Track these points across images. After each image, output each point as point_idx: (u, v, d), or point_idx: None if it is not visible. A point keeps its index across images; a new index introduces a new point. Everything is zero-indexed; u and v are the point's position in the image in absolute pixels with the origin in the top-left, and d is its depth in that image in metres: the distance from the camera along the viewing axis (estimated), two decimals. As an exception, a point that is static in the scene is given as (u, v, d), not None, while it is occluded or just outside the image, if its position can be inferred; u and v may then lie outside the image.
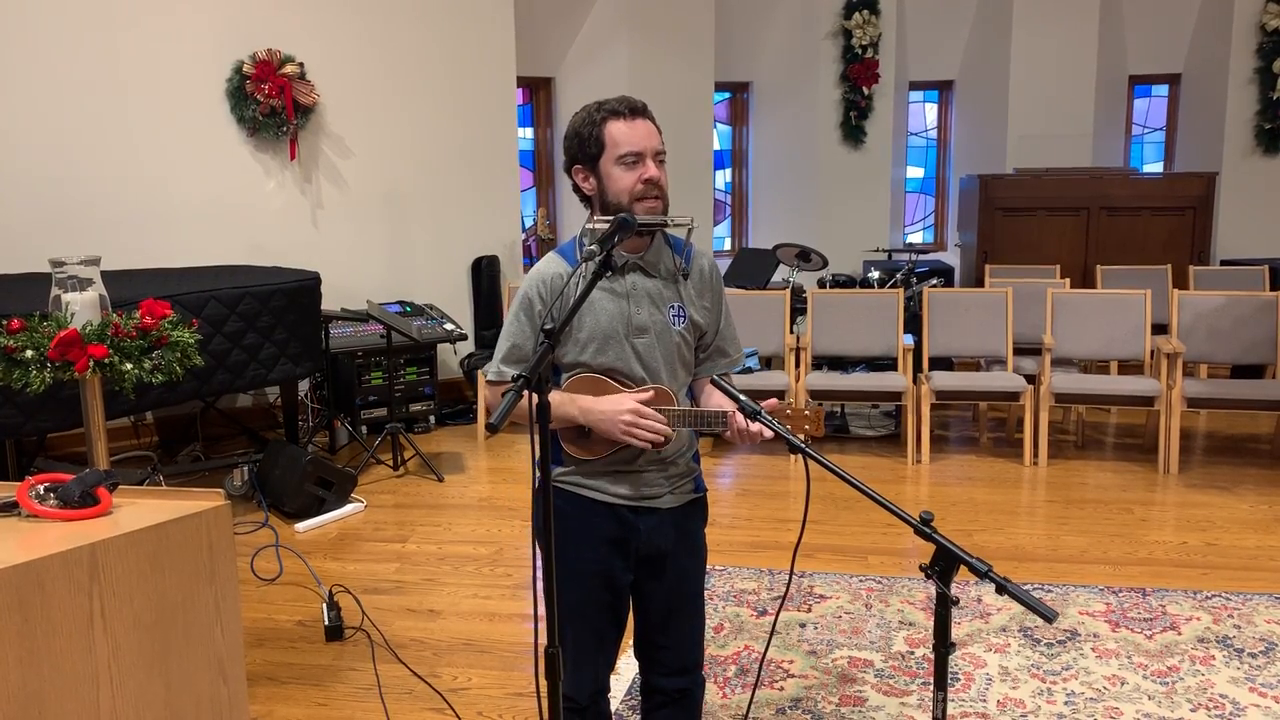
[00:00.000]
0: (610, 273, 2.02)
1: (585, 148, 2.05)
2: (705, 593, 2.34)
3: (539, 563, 1.86)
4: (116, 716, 1.58)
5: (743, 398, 1.97)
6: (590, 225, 2.06)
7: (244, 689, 1.81)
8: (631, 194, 2.02)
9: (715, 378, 2.07)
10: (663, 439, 2.03)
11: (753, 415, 1.94)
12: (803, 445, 1.89)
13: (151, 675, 1.63)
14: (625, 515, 2.13)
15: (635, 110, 2.03)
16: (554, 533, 2.13)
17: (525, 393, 1.83)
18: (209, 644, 1.74)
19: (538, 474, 2.15)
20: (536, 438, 1.75)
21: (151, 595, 1.63)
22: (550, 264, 2.12)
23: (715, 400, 2.12)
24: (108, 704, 1.57)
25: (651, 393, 2.06)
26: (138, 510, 1.72)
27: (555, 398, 2.05)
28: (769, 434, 1.93)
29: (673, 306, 2.11)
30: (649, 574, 2.19)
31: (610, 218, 1.99)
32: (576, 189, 2.12)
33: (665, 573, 2.19)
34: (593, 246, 1.92)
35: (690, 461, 2.20)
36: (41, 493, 1.69)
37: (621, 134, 2.01)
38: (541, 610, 1.84)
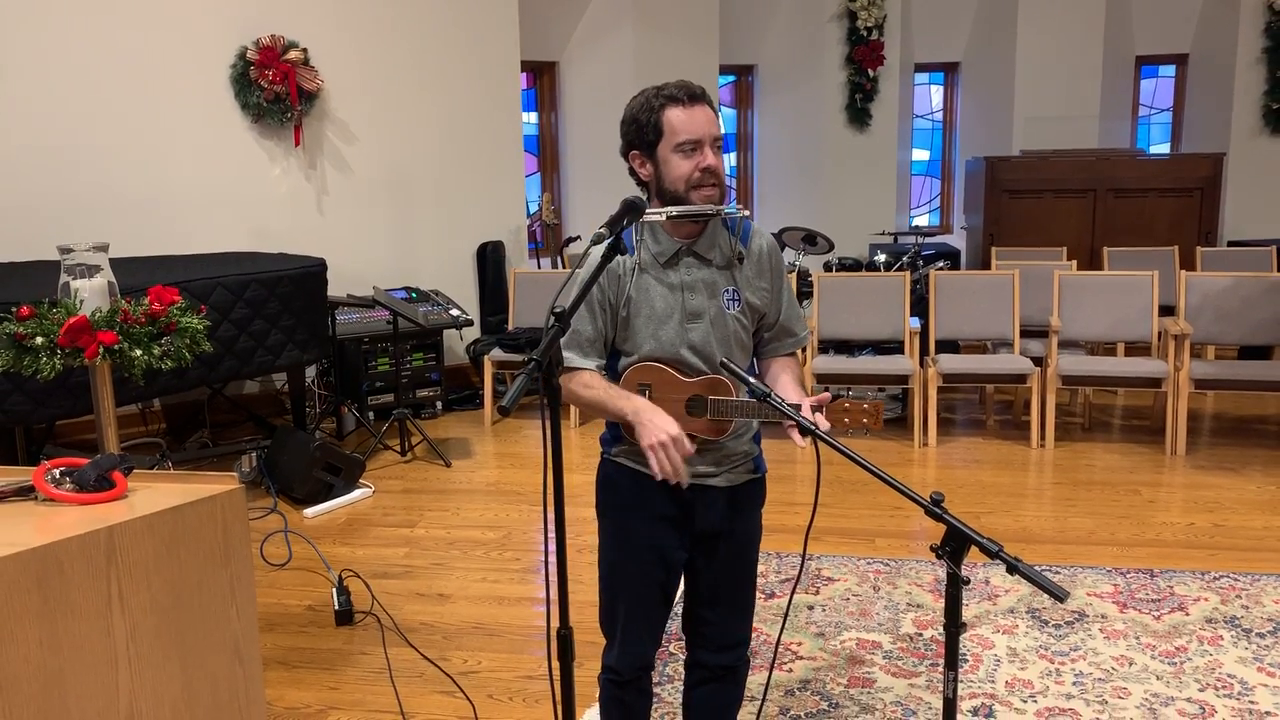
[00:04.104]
0: (620, 257, 2.02)
1: (643, 134, 2.03)
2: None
3: (551, 547, 1.87)
4: (135, 697, 1.59)
5: (751, 380, 1.97)
6: (648, 216, 2.02)
7: (259, 670, 1.82)
8: (688, 181, 2.00)
9: (723, 361, 2.07)
10: (675, 480, 1.99)
11: (762, 398, 1.94)
12: (813, 427, 1.89)
13: (169, 657, 1.65)
14: (681, 493, 2.12)
15: (694, 96, 2.02)
16: (612, 506, 2.18)
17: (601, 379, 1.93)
18: (225, 625, 1.75)
19: (603, 451, 2.21)
20: (547, 424, 1.75)
21: (168, 578, 1.64)
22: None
23: (783, 381, 2.13)
24: (126, 685, 1.58)
25: (691, 445, 2.01)
26: (153, 494, 1.73)
27: (610, 391, 2.05)
28: (825, 425, 1.90)
29: (727, 291, 2.10)
30: (702, 551, 2.19)
31: (669, 207, 1.99)
32: (633, 173, 2.11)
33: (718, 551, 2.19)
34: (601, 229, 1.91)
35: (749, 442, 2.20)
36: (58, 477, 1.70)
37: (680, 121, 2.00)
38: (554, 594, 1.85)
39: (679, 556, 2.18)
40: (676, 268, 2.08)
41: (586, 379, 2.07)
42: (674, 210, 1.99)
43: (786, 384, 2.13)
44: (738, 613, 2.25)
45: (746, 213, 2.12)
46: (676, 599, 2.28)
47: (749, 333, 2.16)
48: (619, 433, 2.15)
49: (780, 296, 2.20)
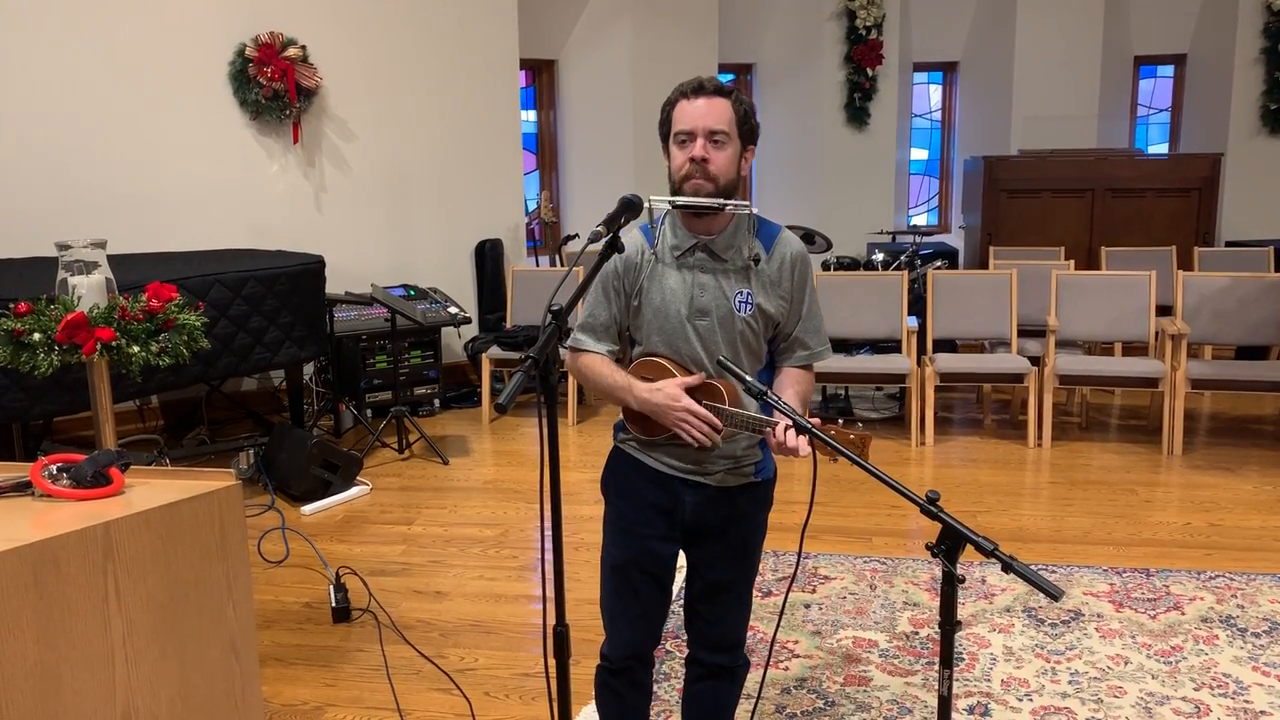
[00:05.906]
0: (640, 247, 2.05)
1: (661, 127, 2.11)
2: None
3: (549, 545, 1.87)
4: (132, 693, 1.59)
5: (749, 379, 1.96)
6: (655, 203, 2.06)
7: (256, 666, 1.82)
8: (680, 173, 2.04)
9: (721, 358, 2.07)
10: (709, 443, 2.02)
11: (759, 395, 1.94)
12: (809, 425, 1.89)
13: (165, 653, 1.65)
14: (673, 485, 2.15)
15: (700, 89, 2.04)
16: (611, 490, 2.24)
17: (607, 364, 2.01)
18: (221, 622, 1.75)
19: (615, 437, 2.25)
20: (545, 420, 1.75)
21: (165, 574, 1.65)
22: (631, 241, 2.13)
23: (787, 395, 2.11)
24: (123, 681, 1.58)
25: (699, 379, 2.06)
26: (150, 490, 1.73)
27: (617, 380, 2.10)
28: (805, 451, 1.89)
29: (740, 293, 2.09)
30: (697, 546, 2.21)
31: (669, 197, 2.03)
32: None
33: (713, 549, 2.20)
34: (598, 228, 1.92)
35: (748, 447, 2.18)
36: (54, 472, 1.70)
37: (681, 113, 2.04)
38: (551, 591, 1.85)
39: (669, 548, 2.20)
40: (689, 263, 2.10)
41: (595, 363, 2.14)
42: (678, 200, 2.03)
43: (789, 397, 2.10)
44: (732, 614, 2.25)
45: (748, 205, 2.10)
46: (677, 595, 2.29)
47: (759, 338, 2.14)
48: (622, 420, 2.20)
49: (800, 307, 2.17)
